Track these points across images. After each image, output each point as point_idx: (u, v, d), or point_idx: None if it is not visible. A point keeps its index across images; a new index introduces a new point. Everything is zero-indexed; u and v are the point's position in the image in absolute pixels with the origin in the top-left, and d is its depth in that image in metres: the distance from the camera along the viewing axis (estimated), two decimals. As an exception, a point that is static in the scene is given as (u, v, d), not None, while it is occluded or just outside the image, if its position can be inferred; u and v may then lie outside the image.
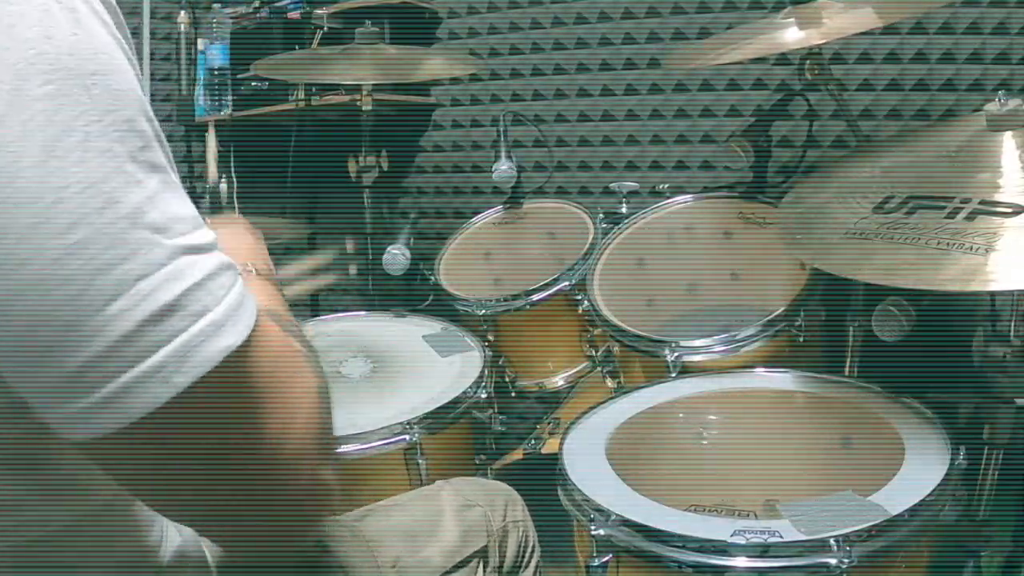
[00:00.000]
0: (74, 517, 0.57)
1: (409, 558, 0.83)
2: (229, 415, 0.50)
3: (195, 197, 0.51)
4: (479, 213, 1.84)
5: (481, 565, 0.89)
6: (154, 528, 0.65)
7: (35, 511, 0.54)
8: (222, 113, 2.32)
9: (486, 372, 1.41)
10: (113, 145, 0.45)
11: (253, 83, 2.22)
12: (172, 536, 0.68)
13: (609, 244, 1.53)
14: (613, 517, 0.89)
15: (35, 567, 0.55)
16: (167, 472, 0.50)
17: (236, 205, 1.71)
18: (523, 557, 0.96)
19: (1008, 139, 0.97)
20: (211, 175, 1.08)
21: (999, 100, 0.98)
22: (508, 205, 1.81)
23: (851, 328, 1.29)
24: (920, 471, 0.90)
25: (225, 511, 0.53)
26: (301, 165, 2.17)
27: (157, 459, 0.49)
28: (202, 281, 0.47)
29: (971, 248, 0.85)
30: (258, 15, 2.26)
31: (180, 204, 0.48)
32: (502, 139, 1.72)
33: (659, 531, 0.86)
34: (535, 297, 1.53)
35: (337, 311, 1.77)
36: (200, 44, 2.35)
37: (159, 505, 0.56)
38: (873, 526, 0.82)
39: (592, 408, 1.17)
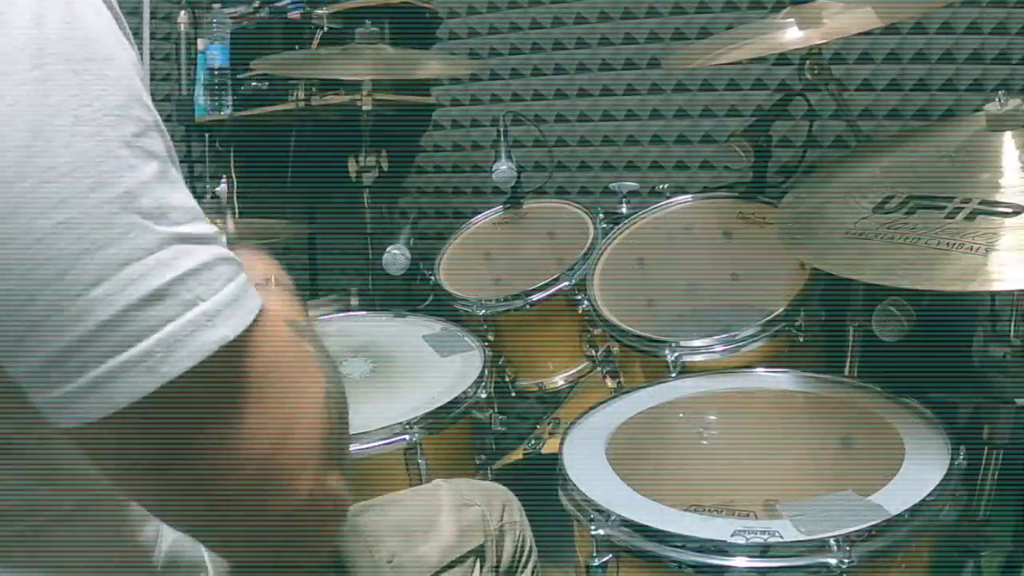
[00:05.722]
0: (63, 510, 0.55)
1: (405, 554, 0.82)
2: (222, 411, 0.48)
3: (194, 197, 0.51)
4: (479, 213, 1.84)
5: (478, 564, 0.88)
6: (148, 526, 0.63)
7: (24, 500, 0.53)
8: (222, 113, 2.32)
9: (486, 372, 1.41)
10: (104, 129, 0.44)
11: (253, 83, 2.22)
12: (166, 535, 0.65)
13: (609, 244, 1.53)
14: (613, 517, 0.89)
15: (23, 560, 0.54)
16: (156, 467, 0.48)
17: (236, 206, 1.71)
18: (519, 559, 0.95)
19: (1008, 139, 0.97)
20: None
21: (999, 100, 0.98)
22: (508, 205, 1.81)
23: (851, 328, 1.29)
24: (920, 471, 0.90)
25: (220, 515, 0.51)
26: (301, 165, 2.17)
27: (145, 452, 0.47)
28: (195, 270, 0.46)
29: (971, 248, 0.85)
30: (258, 15, 2.26)
31: (178, 195, 0.47)
32: (502, 139, 1.72)
33: (659, 531, 0.85)
34: (535, 297, 1.53)
35: (337, 311, 1.76)
36: (200, 44, 2.35)
37: (150, 503, 0.54)
38: (873, 526, 0.82)
39: (592, 408, 1.17)
